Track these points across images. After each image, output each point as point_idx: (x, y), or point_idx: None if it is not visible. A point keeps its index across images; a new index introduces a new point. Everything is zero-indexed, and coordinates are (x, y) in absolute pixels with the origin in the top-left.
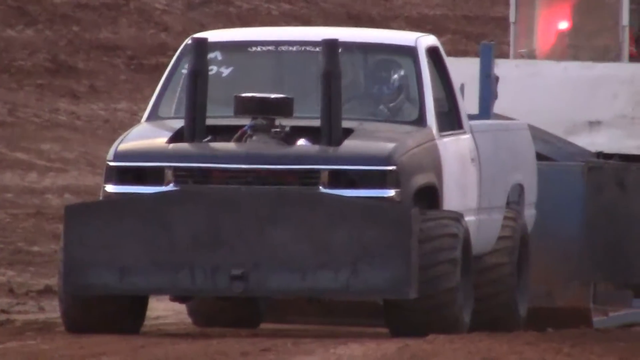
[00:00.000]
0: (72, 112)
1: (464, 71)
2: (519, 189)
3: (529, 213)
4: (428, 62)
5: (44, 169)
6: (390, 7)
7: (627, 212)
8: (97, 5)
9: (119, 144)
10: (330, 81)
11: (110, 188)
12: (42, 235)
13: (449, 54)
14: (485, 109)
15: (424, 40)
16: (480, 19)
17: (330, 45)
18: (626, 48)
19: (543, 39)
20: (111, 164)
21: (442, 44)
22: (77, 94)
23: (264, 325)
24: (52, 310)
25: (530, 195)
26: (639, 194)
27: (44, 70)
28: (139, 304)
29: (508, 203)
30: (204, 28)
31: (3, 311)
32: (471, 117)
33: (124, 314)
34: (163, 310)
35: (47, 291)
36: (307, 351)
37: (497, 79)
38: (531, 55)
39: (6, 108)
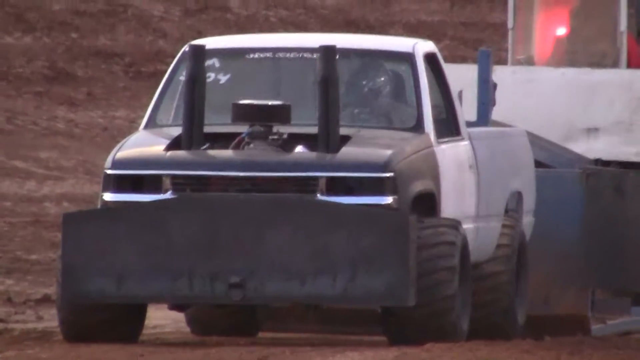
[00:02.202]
0: (70, 120)
1: (462, 77)
2: (518, 196)
3: (528, 221)
4: (425, 68)
5: (42, 177)
6: (388, 14)
7: (625, 219)
8: (95, 12)
9: (116, 152)
10: (328, 87)
11: (108, 196)
12: (41, 244)
13: (446, 60)
14: (484, 116)
15: (422, 47)
16: (478, 25)
17: (328, 52)
18: (624, 53)
19: (541, 45)
20: (109, 172)
21: (440, 50)
22: (75, 102)
23: (262, 334)
24: (51, 319)
25: (529, 202)
26: (636, 200)
27: (42, 77)
28: (138, 312)
29: (506, 211)
30: (201, 35)
31: (1, 320)
32: (469, 123)
33: (122, 322)
34: (161, 319)
35: (45, 300)
36: None
37: (495, 85)
38: (529, 62)
39: (4, 116)
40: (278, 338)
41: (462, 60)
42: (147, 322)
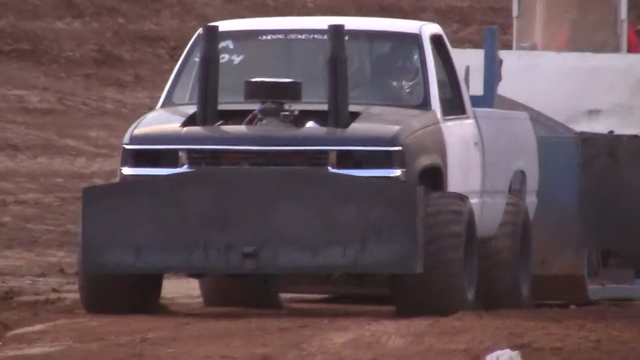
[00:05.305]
0: (119, 100)
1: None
2: (521, 175)
3: (531, 200)
4: (432, 49)
5: (92, 154)
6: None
7: (619, 182)
8: None
9: (134, 129)
10: (337, 65)
11: (126, 170)
12: None
13: (475, 45)
14: (490, 91)
15: (428, 28)
16: (506, 10)
17: (336, 31)
18: (624, 42)
19: (544, 34)
20: (127, 147)
21: (469, 34)
22: (122, 83)
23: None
24: None
25: (532, 182)
26: (629, 165)
27: (91, 60)
28: (154, 282)
29: (510, 190)
30: None
31: (54, 290)
32: (476, 97)
33: (138, 292)
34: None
35: None
36: (342, 327)
37: (500, 61)
38: (533, 49)
39: (56, 97)
40: (315, 309)
41: None
42: (189, 292)
